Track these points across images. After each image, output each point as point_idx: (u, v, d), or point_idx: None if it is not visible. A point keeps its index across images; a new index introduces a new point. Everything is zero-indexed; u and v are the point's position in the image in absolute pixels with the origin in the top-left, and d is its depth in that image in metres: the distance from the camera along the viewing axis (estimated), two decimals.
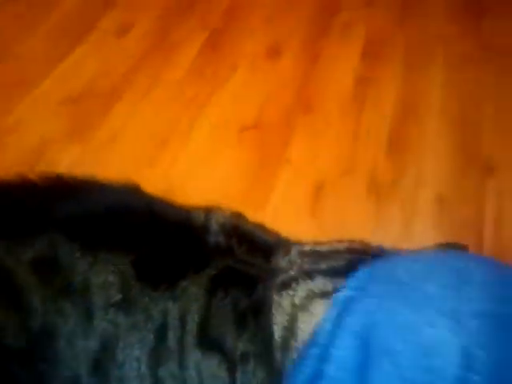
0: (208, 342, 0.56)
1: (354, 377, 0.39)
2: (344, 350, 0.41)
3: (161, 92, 1.62)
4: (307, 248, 0.61)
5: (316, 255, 0.59)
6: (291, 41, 1.78)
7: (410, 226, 1.27)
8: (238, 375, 0.55)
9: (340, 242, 0.61)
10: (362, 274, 0.47)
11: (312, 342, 0.43)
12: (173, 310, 0.55)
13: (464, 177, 1.39)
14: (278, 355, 0.52)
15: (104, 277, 0.55)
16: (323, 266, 0.56)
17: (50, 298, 0.53)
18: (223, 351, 0.55)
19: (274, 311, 0.54)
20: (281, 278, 0.56)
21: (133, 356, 0.55)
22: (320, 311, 0.50)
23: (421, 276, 0.44)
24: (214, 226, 0.62)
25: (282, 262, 0.59)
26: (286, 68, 1.69)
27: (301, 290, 0.53)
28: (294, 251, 0.61)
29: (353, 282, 0.46)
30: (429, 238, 1.27)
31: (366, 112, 1.54)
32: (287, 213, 1.30)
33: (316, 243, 0.63)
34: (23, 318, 0.52)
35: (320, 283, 0.53)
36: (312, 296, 0.52)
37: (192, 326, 0.55)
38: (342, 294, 0.45)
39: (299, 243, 0.64)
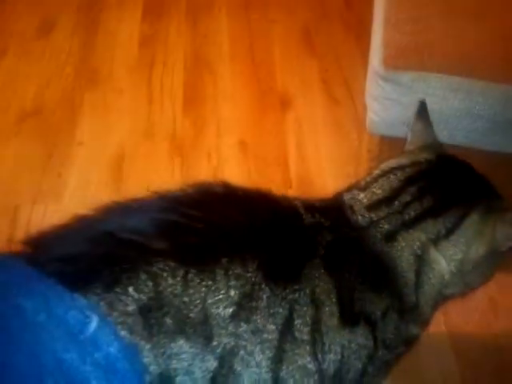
0: (351, 317, 0.58)
1: None
2: None
3: None
4: (365, 201, 0.65)
5: (378, 202, 0.64)
6: (64, 12, 1.69)
7: (218, 174, 1.32)
8: (378, 333, 0.60)
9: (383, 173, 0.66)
10: None
11: None
12: (301, 300, 0.56)
13: (264, 116, 1.47)
14: (411, 297, 0.62)
15: (224, 294, 0.54)
16: (410, 212, 0.62)
17: (161, 345, 0.51)
18: (368, 319, 0.59)
19: (398, 263, 0.61)
20: (376, 233, 0.62)
21: (252, 363, 0.55)
22: (437, 257, 0.62)
23: None
24: (301, 209, 0.63)
25: (360, 219, 0.63)
26: (61, 43, 1.60)
27: (410, 240, 0.61)
28: (358, 207, 0.65)
29: None
30: (237, 182, 1.33)
31: (156, 72, 1.54)
32: (88, 196, 1.26)
33: (367, 190, 0.66)
34: None
35: (419, 231, 0.61)
36: (424, 244, 0.61)
37: (331, 307, 0.57)
38: None
39: (351, 193, 0.67)
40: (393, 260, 0.62)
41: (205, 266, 0.54)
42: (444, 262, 0.63)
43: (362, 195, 0.66)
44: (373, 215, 0.63)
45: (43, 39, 1.62)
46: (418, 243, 0.62)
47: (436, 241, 0.62)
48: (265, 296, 0.55)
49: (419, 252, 0.62)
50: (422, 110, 0.73)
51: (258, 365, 0.55)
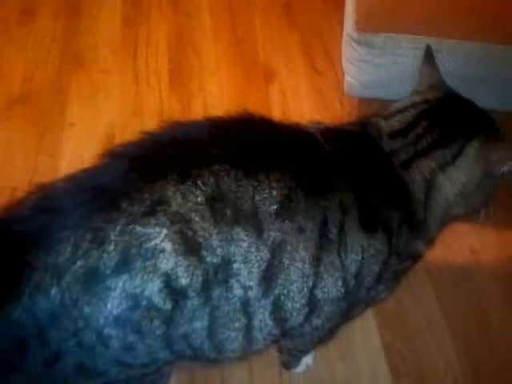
0: (371, 223, 0.69)
1: None
2: None
3: None
4: (387, 130, 0.76)
5: (396, 133, 0.75)
6: None
7: None
8: (393, 240, 0.71)
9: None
10: None
11: None
12: (332, 206, 0.67)
13: (249, 89, 1.53)
14: (420, 214, 0.73)
15: (267, 193, 0.63)
16: (423, 143, 0.73)
17: (224, 231, 0.61)
18: (386, 228, 0.70)
19: (411, 186, 0.72)
20: (397, 159, 0.73)
21: (297, 258, 0.65)
22: (444, 181, 0.73)
23: None
24: (319, 136, 0.72)
25: (384, 144, 0.74)
26: (45, 28, 1.65)
27: (422, 167, 0.73)
28: (383, 133, 0.75)
29: None
30: None
31: (140, 51, 1.60)
32: None
33: (388, 121, 0.77)
34: (200, 259, 0.60)
35: (429, 159, 0.72)
36: (434, 170, 0.73)
37: (354, 214, 0.68)
38: None
39: (377, 119, 0.77)
40: (407, 183, 0.73)
41: (250, 170, 0.64)
42: (449, 185, 0.74)
43: (384, 123, 0.77)
44: (392, 144, 0.75)
45: (26, 25, 1.66)
46: (428, 170, 0.74)
47: (443, 167, 0.74)
48: (302, 200, 0.65)
49: (429, 177, 0.74)
50: (428, 54, 0.83)
51: (302, 260, 0.65)
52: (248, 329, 0.66)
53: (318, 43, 1.65)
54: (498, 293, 1.20)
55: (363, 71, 0.92)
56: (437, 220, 0.77)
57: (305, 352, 0.97)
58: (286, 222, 0.64)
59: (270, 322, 0.67)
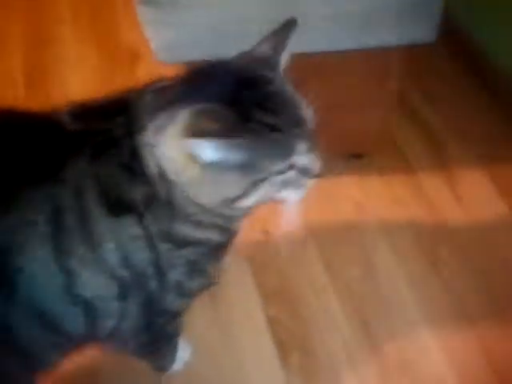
0: (115, 207, 0.60)
1: None
2: None
3: None
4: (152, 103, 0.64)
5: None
6: None
7: None
8: (148, 222, 0.61)
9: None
10: None
11: None
12: (65, 193, 0.59)
13: (114, 76, 1.45)
14: (160, 186, 0.60)
15: None
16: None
17: None
18: (132, 209, 0.61)
19: (145, 157, 0.61)
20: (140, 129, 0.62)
21: (36, 257, 0.57)
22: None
23: None
24: (65, 117, 0.63)
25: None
26: None
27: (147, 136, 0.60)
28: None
29: None
30: None
31: None
32: None
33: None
34: None
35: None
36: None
37: (95, 198, 0.59)
38: None
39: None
40: (141, 152, 0.62)
41: None
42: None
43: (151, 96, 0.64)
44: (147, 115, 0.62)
45: None
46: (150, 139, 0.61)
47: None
48: (25, 192, 0.57)
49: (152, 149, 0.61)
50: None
51: (42, 259, 0.58)
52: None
53: None
54: (384, 242, 1.15)
55: (161, 33, 0.84)
56: (188, 199, 0.62)
57: (156, 354, 0.90)
58: (11, 216, 0.57)
59: (40, 331, 0.61)
